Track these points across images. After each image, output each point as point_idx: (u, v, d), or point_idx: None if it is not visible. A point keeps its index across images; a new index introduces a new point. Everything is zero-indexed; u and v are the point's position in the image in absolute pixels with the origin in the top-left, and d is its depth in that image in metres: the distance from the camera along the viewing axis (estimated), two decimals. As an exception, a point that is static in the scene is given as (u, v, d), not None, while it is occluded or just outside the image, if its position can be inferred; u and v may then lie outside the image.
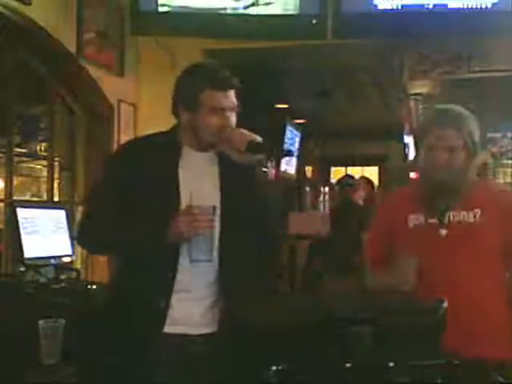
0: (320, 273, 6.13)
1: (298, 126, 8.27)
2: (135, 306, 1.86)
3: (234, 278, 1.91)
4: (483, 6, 3.75)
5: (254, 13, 4.00)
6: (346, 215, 5.82)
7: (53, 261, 3.04)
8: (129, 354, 1.83)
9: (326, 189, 9.82)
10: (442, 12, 3.82)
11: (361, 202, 5.96)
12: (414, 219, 2.02)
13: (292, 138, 8.17)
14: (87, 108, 4.22)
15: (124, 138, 4.14)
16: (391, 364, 1.48)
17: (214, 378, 1.85)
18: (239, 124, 1.95)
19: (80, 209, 4.06)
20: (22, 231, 2.92)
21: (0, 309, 2.48)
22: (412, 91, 6.15)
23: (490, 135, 8.70)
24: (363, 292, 2.21)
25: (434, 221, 1.99)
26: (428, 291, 1.87)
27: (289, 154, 2.12)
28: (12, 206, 3.08)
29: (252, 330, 1.76)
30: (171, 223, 1.79)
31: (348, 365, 1.48)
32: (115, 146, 4.04)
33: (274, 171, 7.35)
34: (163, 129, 2.04)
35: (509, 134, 8.50)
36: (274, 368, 1.57)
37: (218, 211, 1.85)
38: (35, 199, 4.47)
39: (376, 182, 10.34)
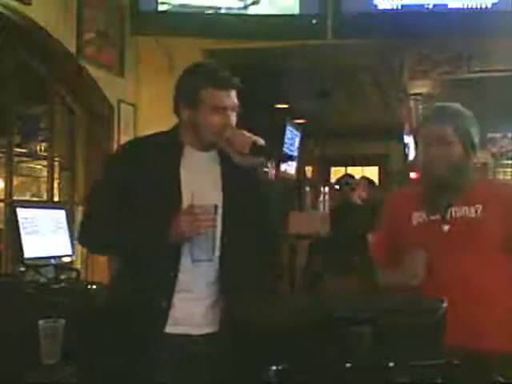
0: (320, 272, 6.13)
1: (298, 126, 8.26)
2: (137, 306, 1.85)
3: (235, 277, 1.91)
4: (483, 6, 3.76)
5: (254, 13, 4.00)
6: (345, 215, 5.82)
7: (53, 261, 3.04)
8: (130, 354, 1.83)
9: (326, 189, 9.82)
10: (442, 12, 3.82)
11: (359, 202, 5.95)
12: (418, 217, 2.04)
13: (292, 137, 8.17)
14: (87, 108, 4.22)
15: (124, 138, 4.14)
16: (391, 364, 1.48)
17: (216, 378, 1.84)
18: (239, 124, 1.95)
19: (80, 209, 4.06)
20: (22, 231, 2.92)
21: (0, 309, 2.48)
22: (412, 91, 6.15)
23: (489, 135, 8.71)
24: (375, 290, 2.21)
25: (436, 217, 2.01)
26: (432, 287, 1.90)
27: (289, 159, 2.12)
28: (12, 206, 3.08)
29: (252, 330, 1.76)
30: (173, 223, 1.79)
31: (348, 365, 1.48)
32: (115, 146, 4.04)
33: (273, 171, 7.35)
34: (163, 129, 2.04)
35: (509, 134, 8.51)
36: (274, 368, 1.57)
37: (220, 210, 1.85)
38: (35, 199, 4.47)
39: (376, 182, 10.37)
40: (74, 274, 3.15)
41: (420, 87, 5.93)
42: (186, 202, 1.85)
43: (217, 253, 1.87)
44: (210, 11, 4.03)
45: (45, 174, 4.23)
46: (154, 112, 4.12)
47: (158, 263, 1.85)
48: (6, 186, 3.65)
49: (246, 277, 1.98)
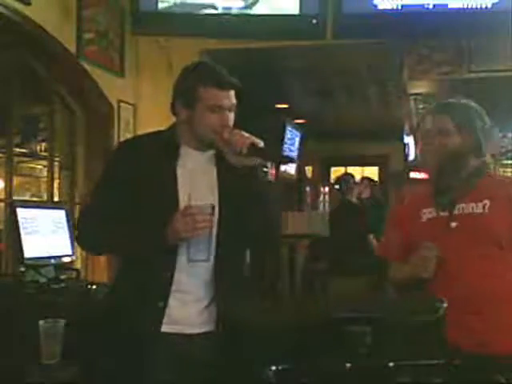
0: (320, 272, 6.14)
1: (297, 126, 8.26)
2: (134, 306, 1.86)
3: (230, 277, 1.91)
4: (483, 6, 3.76)
5: (254, 13, 4.00)
6: (344, 214, 5.82)
7: (53, 261, 3.04)
8: (127, 354, 1.83)
9: (326, 189, 9.82)
10: (442, 12, 3.82)
11: (355, 201, 5.96)
12: (428, 213, 2.06)
13: (292, 137, 8.17)
14: (87, 108, 4.22)
15: (124, 138, 4.15)
16: (391, 364, 1.48)
17: (211, 377, 1.85)
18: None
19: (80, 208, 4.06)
20: (21, 231, 2.92)
21: (0, 309, 2.48)
22: (412, 91, 6.14)
23: (490, 135, 8.69)
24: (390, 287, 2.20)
25: (445, 214, 2.02)
26: (439, 282, 1.92)
27: (289, 160, 2.12)
28: (12, 206, 3.07)
29: (250, 330, 1.76)
30: (169, 223, 1.79)
31: (348, 365, 1.48)
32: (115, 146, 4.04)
33: (273, 171, 7.36)
34: (163, 129, 2.04)
35: (509, 134, 8.50)
36: (274, 368, 1.57)
37: (216, 211, 1.85)
38: (35, 199, 4.46)
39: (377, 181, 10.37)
40: (74, 274, 3.15)
41: (420, 87, 5.92)
42: (182, 202, 1.85)
43: (213, 253, 1.87)
44: (210, 11, 4.03)
45: (45, 173, 4.22)
46: (153, 112, 4.11)
47: (154, 263, 1.85)
48: (5, 186, 3.65)
49: (240, 277, 1.98)
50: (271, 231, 2.05)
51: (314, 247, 6.86)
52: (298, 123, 8.24)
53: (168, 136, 1.97)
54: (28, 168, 4.60)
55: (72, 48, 3.81)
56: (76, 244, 2.05)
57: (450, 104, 2.11)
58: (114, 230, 1.89)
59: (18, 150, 3.96)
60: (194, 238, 1.81)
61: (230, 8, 4.02)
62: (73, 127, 4.26)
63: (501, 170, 8.39)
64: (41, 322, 2.13)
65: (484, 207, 1.98)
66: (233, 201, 1.90)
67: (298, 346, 1.56)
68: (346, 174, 6.55)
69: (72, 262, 3.38)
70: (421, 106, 6.72)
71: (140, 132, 4.30)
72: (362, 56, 4.99)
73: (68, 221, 3.27)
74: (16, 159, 3.91)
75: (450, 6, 3.82)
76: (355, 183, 6.11)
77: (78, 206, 4.14)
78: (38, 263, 2.93)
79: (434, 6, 3.83)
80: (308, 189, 9.55)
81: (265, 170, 1.95)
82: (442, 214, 2.03)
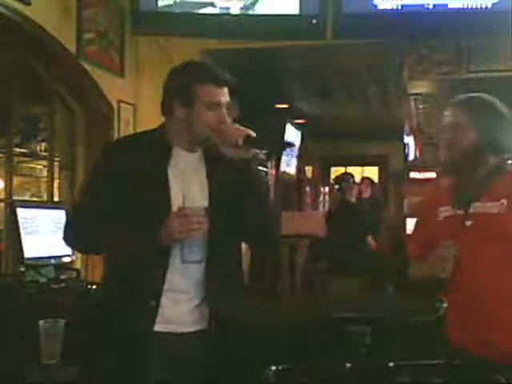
0: (320, 272, 6.14)
1: (298, 126, 8.26)
2: (126, 305, 1.86)
3: (222, 277, 1.91)
4: (483, 6, 3.75)
5: (254, 13, 4.00)
6: (343, 214, 5.82)
7: (53, 261, 3.04)
8: (121, 353, 1.84)
9: (326, 189, 9.82)
10: (442, 12, 3.82)
11: (354, 200, 5.96)
12: (445, 211, 2.04)
13: (292, 138, 8.16)
14: (87, 108, 4.22)
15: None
16: (391, 364, 1.48)
17: (204, 376, 1.85)
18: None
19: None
20: (21, 231, 2.92)
21: (0, 309, 2.48)
22: (412, 91, 6.14)
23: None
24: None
25: (461, 212, 1.99)
26: (452, 281, 1.90)
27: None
28: (12, 206, 3.07)
29: (242, 329, 1.76)
30: (163, 225, 1.79)
31: (348, 365, 1.48)
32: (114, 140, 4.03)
33: (273, 171, 7.35)
34: (151, 129, 2.05)
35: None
36: (274, 368, 1.57)
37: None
38: (35, 199, 4.46)
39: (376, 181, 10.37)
40: (74, 274, 3.15)
41: (420, 87, 5.92)
42: (174, 202, 1.85)
43: (206, 254, 1.88)
44: (209, 10, 4.03)
45: (45, 173, 4.22)
46: (153, 112, 4.09)
47: (146, 262, 1.85)
48: (5, 186, 3.65)
49: (233, 276, 1.98)
50: (269, 227, 2.03)
51: (314, 247, 6.86)
52: (297, 123, 8.24)
53: (159, 136, 1.96)
54: (28, 168, 4.60)
55: (72, 48, 3.81)
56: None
57: (466, 98, 2.06)
58: (106, 229, 1.88)
59: (18, 150, 3.96)
60: (187, 239, 1.81)
61: (229, 8, 4.01)
62: (73, 127, 4.26)
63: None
64: (41, 322, 2.13)
65: (501, 206, 1.93)
66: (224, 200, 1.90)
67: (297, 345, 1.56)
68: (346, 173, 6.56)
69: (72, 261, 3.38)
70: (421, 106, 6.73)
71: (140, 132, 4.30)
72: (361, 56, 4.99)
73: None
74: (16, 159, 3.91)
75: (450, 6, 3.81)
76: (355, 183, 6.11)
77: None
78: (38, 263, 2.93)
79: (434, 6, 3.83)
80: (308, 189, 9.55)
81: (264, 169, 1.96)
82: (458, 212, 2.00)
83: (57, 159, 4.20)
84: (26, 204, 3.68)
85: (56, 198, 4.16)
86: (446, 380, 1.51)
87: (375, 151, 9.88)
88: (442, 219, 2.04)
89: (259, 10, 4.00)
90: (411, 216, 8.19)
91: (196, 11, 4.03)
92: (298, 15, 3.96)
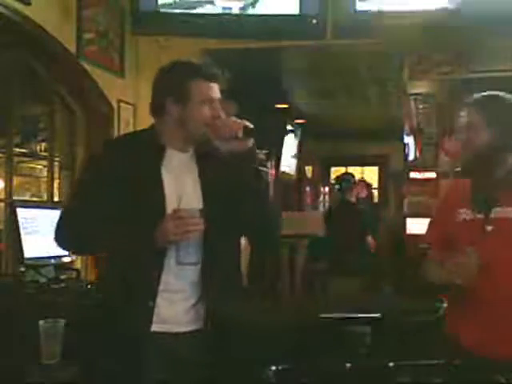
0: (320, 272, 6.14)
1: (298, 126, 8.26)
2: (123, 306, 1.86)
3: (218, 278, 1.91)
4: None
5: (254, 13, 4.00)
6: (343, 214, 5.82)
7: (53, 261, 3.04)
8: (119, 353, 1.84)
9: (326, 189, 9.82)
10: (441, 12, 3.81)
11: (354, 200, 5.96)
12: (463, 213, 1.98)
13: (292, 137, 8.17)
14: (87, 108, 4.22)
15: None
16: (391, 364, 1.48)
17: (199, 375, 1.85)
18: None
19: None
20: (21, 231, 2.92)
21: (0, 309, 2.48)
22: (412, 91, 6.14)
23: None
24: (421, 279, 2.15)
25: (481, 216, 1.94)
26: (472, 287, 1.84)
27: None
28: (12, 206, 3.07)
29: (239, 328, 1.76)
30: (158, 226, 1.78)
31: (348, 365, 1.48)
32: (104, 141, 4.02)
33: (273, 171, 7.35)
34: (141, 129, 2.05)
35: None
36: (274, 368, 1.57)
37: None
38: (35, 199, 4.46)
39: (376, 182, 10.37)
40: (73, 274, 3.15)
41: (420, 87, 5.93)
42: (169, 203, 1.84)
43: (201, 255, 1.88)
44: (209, 11, 4.03)
45: (45, 173, 4.22)
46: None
47: (142, 263, 1.84)
48: (5, 186, 3.64)
49: (230, 276, 1.97)
50: (268, 224, 2.01)
51: (313, 247, 6.85)
52: (297, 123, 8.25)
53: (151, 137, 1.96)
54: (28, 168, 4.60)
55: (72, 48, 3.81)
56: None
57: (480, 97, 2.01)
58: (100, 229, 1.87)
59: (17, 150, 3.95)
60: (183, 241, 1.81)
61: (230, 8, 4.01)
62: (73, 127, 4.26)
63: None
64: (41, 322, 2.13)
65: None
66: (219, 199, 1.89)
67: (297, 345, 1.56)
68: (347, 173, 6.56)
69: (72, 261, 3.38)
70: (421, 106, 6.73)
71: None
72: (362, 56, 4.99)
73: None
74: (16, 159, 3.91)
75: (449, 6, 3.81)
76: (355, 183, 6.11)
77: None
78: (38, 263, 2.93)
79: (433, 5, 3.83)
80: (308, 189, 9.55)
81: (264, 169, 1.97)
82: (478, 216, 1.94)
83: (57, 159, 4.20)
84: (26, 204, 3.67)
85: (56, 198, 4.16)
86: (446, 380, 1.51)
87: (375, 151, 9.87)
88: (460, 221, 1.98)
89: (259, 10, 4.00)
90: (412, 216, 8.21)
91: (196, 10, 4.03)
92: (298, 15, 3.96)
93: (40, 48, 3.70)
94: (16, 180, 3.86)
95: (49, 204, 4.02)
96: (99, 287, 2.09)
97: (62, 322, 2.15)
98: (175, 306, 1.88)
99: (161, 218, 1.80)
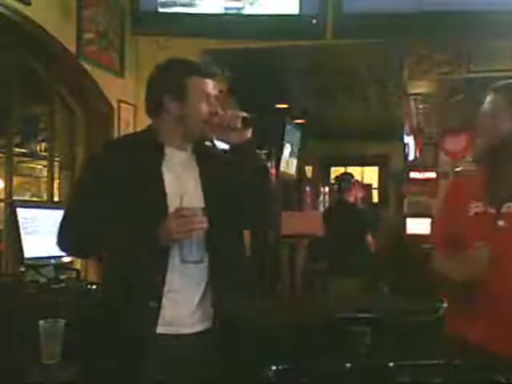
0: (320, 272, 6.14)
1: (298, 126, 8.26)
2: (127, 307, 1.85)
3: (225, 276, 1.91)
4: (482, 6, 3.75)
5: (254, 13, 4.00)
6: (342, 214, 5.82)
7: (53, 261, 3.04)
8: (121, 355, 1.83)
9: (326, 189, 9.82)
10: (443, 12, 3.81)
11: (353, 200, 5.96)
12: (475, 207, 1.95)
13: (292, 138, 8.16)
14: (87, 108, 4.22)
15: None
16: (391, 364, 1.48)
17: (204, 377, 1.84)
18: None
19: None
20: (21, 231, 2.92)
21: (0, 309, 2.48)
22: (412, 91, 6.14)
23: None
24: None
25: (492, 211, 1.91)
26: (482, 282, 1.82)
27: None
28: (12, 206, 3.07)
29: (246, 328, 1.76)
30: (161, 225, 1.78)
31: (348, 365, 1.48)
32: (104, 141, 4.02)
33: (273, 171, 7.35)
34: (140, 130, 2.05)
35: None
36: (274, 368, 1.57)
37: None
38: (35, 199, 4.46)
39: (376, 182, 10.37)
40: (73, 274, 3.15)
41: (420, 87, 5.93)
42: (171, 202, 1.84)
43: (205, 254, 1.87)
44: (209, 11, 4.03)
45: (45, 173, 4.22)
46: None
47: (146, 264, 1.83)
48: (5, 186, 3.64)
49: (236, 274, 1.97)
50: (268, 218, 2.03)
51: (313, 247, 6.86)
52: (297, 123, 8.24)
53: (150, 136, 1.96)
54: (28, 168, 4.60)
55: (72, 48, 3.81)
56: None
57: (506, 83, 1.96)
58: (103, 230, 1.86)
59: (18, 150, 3.95)
60: (186, 239, 1.81)
61: (230, 8, 4.01)
62: (73, 127, 4.26)
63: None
64: (41, 322, 2.13)
65: None
66: (219, 197, 1.90)
67: (297, 345, 1.56)
68: (346, 173, 6.56)
69: (72, 261, 3.38)
70: (421, 106, 6.73)
71: (140, 132, 4.30)
72: (362, 56, 4.99)
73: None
74: (16, 159, 3.91)
75: (449, 6, 3.81)
76: (354, 183, 6.12)
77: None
78: (38, 263, 2.93)
79: (434, 6, 3.82)
80: (308, 189, 9.55)
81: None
82: (489, 210, 1.91)
83: (57, 159, 4.20)
84: (26, 204, 3.67)
85: (56, 198, 4.16)
86: (445, 380, 1.51)
87: (375, 151, 9.87)
88: (472, 215, 1.94)
89: (259, 10, 4.00)
90: (412, 216, 8.22)
91: (196, 10, 4.03)
92: (298, 15, 3.96)
93: (40, 48, 3.70)
94: (16, 180, 3.86)
95: (49, 204, 4.02)
96: (102, 288, 2.07)
97: (62, 322, 2.15)
98: (180, 308, 1.87)
99: (163, 218, 1.79)
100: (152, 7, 4.02)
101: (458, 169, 8.06)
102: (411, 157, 8.90)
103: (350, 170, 9.03)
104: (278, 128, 7.54)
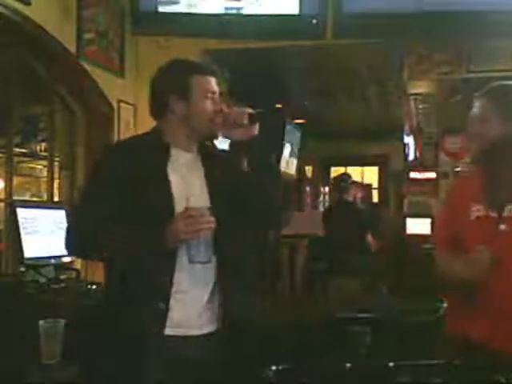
0: (320, 272, 6.14)
1: (297, 126, 8.26)
2: (134, 309, 1.84)
3: (233, 277, 1.91)
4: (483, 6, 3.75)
5: (254, 13, 4.00)
6: (341, 213, 5.82)
7: (53, 261, 3.04)
8: (129, 357, 1.81)
9: (326, 189, 9.82)
10: (443, 12, 3.81)
11: (352, 200, 5.96)
12: (476, 210, 1.93)
13: (292, 138, 8.16)
14: (87, 108, 4.22)
15: (124, 138, 4.15)
16: (391, 364, 1.48)
17: (212, 379, 1.84)
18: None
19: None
20: (21, 231, 2.92)
21: (0, 309, 2.48)
22: (412, 91, 6.14)
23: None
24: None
25: (493, 214, 1.90)
26: (484, 285, 1.82)
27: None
28: (12, 206, 3.07)
29: (253, 330, 1.76)
30: (168, 225, 1.78)
31: (348, 365, 1.48)
32: (109, 144, 4.03)
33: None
34: (146, 132, 2.05)
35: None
36: (274, 368, 1.57)
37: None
38: (35, 199, 4.46)
39: (376, 182, 10.38)
40: (73, 274, 3.15)
41: (420, 87, 5.93)
42: (177, 203, 1.84)
43: (212, 254, 1.87)
44: (209, 11, 4.03)
45: (45, 173, 4.22)
46: (153, 112, 4.10)
47: (153, 265, 1.82)
48: (5, 186, 3.64)
49: (243, 275, 1.98)
50: (272, 212, 2.01)
51: (313, 247, 6.86)
52: (297, 123, 8.24)
53: (155, 138, 1.96)
54: (28, 168, 4.60)
55: (72, 48, 3.81)
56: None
57: (494, 87, 1.96)
58: (111, 232, 1.85)
59: (18, 150, 3.96)
60: (193, 239, 1.80)
61: (230, 8, 4.01)
62: (73, 127, 4.26)
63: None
64: (41, 322, 2.13)
65: None
66: (225, 198, 1.90)
67: (297, 345, 1.56)
68: (344, 174, 6.56)
69: (72, 261, 3.38)
70: (421, 106, 6.73)
71: (140, 132, 4.29)
72: (362, 56, 4.99)
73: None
74: (16, 159, 3.91)
75: (450, 7, 3.81)
76: (352, 183, 6.12)
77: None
78: (38, 263, 2.93)
79: (434, 6, 3.82)
80: (308, 189, 9.55)
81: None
82: (490, 214, 1.89)
83: (57, 159, 4.20)
84: (26, 204, 3.68)
85: (56, 198, 4.16)
86: (445, 380, 1.51)
87: (375, 151, 9.88)
88: (473, 219, 1.93)
89: (259, 9, 4.00)
90: (412, 216, 8.22)
91: (196, 10, 4.03)
92: (298, 15, 3.96)
93: (40, 48, 3.70)
94: (16, 180, 3.86)
95: (49, 204, 4.02)
96: (106, 290, 2.06)
97: (62, 322, 2.15)
98: (188, 309, 1.86)
99: (170, 219, 1.79)
100: (152, 7, 4.02)
101: (457, 169, 8.06)
102: (411, 157, 8.90)
103: (350, 170, 9.04)
104: (278, 128, 7.54)
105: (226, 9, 4.01)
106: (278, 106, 7.37)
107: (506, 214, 1.88)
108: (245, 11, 4.00)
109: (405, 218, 8.55)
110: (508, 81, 2.01)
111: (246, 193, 1.93)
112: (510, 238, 1.87)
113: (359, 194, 6.24)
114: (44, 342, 2.13)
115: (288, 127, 7.84)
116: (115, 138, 4.22)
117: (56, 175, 4.18)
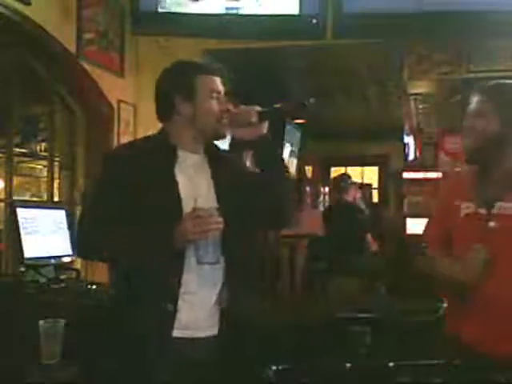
0: (320, 272, 6.14)
1: (298, 126, 8.25)
2: (142, 310, 1.83)
3: (241, 277, 1.91)
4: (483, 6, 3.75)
5: (254, 13, 4.00)
6: (341, 214, 5.82)
7: (53, 261, 3.04)
8: (136, 359, 1.80)
9: (326, 189, 9.82)
10: (443, 12, 3.81)
11: (351, 200, 5.96)
12: (466, 208, 1.93)
13: (292, 138, 8.16)
14: (87, 108, 4.22)
15: (124, 139, 4.15)
16: (391, 364, 1.48)
17: (219, 380, 1.83)
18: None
19: (80, 209, 4.06)
20: (21, 231, 2.92)
21: (0, 309, 2.48)
22: (412, 91, 6.14)
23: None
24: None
25: (483, 211, 1.90)
26: (477, 285, 1.82)
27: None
28: (12, 206, 3.07)
29: (254, 330, 1.76)
30: (177, 226, 1.77)
31: (348, 365, 1.48)
32: (115, 147, 4.03)
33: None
34: (152, 134, 2.04)
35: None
36: (274, 368, 1.57)
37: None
38: (35, 199, 4.46)
39: (376, 182, 10.37)
40: (73, 274, 3.15)
41: (420, 87, 5.93)
42: (185, 204, 1.83)
43: (220, 255, 1.86)
44: (210, 11, 4.03)
45: (45, 173, 4.22)
46: (153, 112, 4.10)
47: (162, 266, 1.82)
48: (5, 186, 3.64)
49: (249, 274, 1.97)
50: (280, 211, 1.99)
51: (313, 247, 6.86)
52: (297, 123, 8.24)
53: (162, 140, 1.95)
54: (28, 168, 4.60)
55: (72, 48, 3.81)
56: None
57: (493, 84, 1.97)
58: (121, 234, 1.84)
59: (18, 150, 3.96)
60: (201, 239, 1.80)
61: (230, 8, 4.01)
62: (73, 127, 4.26)
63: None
64: (41, 322, 2.13)
65: None
66: (232, 199, 1.90)
67: (297, 345, 1.56)
68: (344, 174, 6.56)
69: (72, 261, 3.38)
70: (421, 106, 6.73)
71: (140, 132, 4.30)
72: (362, 56, 4.99)
73: (68, 221, 3.27)
74: (16, 159, 3.91)
75: (450, 6, 3.81)
76: (352, 183, 6.12)
77: (78, 206, 4.13)
78: (38, 263, 2.93)
79: (434, 6, 3.82)
80: (308, 189, 9.55)
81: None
82: (480, 211, 1.90)
83: (57, 159, 4.20)
84: (26, 204, 3.68)
85: (56, 198, 4.16)
86: (446, 380, 1.51)
87: (375, 151, 9.87)
88: (463, 216, 1.93)
89: (259, 10, 4.00)
90: (412, 216, 8.22)
91: (196, 10, 4.03)
92: (298, 15, 3.96)
93: (40, 48, 3.70)
94: (16, 180, 3.86)
95: (49, 204, 4.02)
96: (112, 291, 2.05)
97: (62, 322, 2.15)
98: (196, 311, 1.85)
99: (178, 220, 1.78)
100: (152, 7, 4.02)
101: (457, 169, 8.06)
102: (411, 157, 8.90)
103: (350, 170, 9.03)
104: (278, 128, 7.54)
105: (227, 9, 4.01)
106: (277, 106, 7.37)
107: (495, 211, 1.88)
108: (245, 11, 4.00)
109: (405, 218, 8.54)
110: (507, 80, 2.01)
111: (253, 193, 1.93)
112: (499, 235, 1.86)
113: (358, 195, 6.24)
114: (44, 342, 2.13)
115: (288, 127, 7.84)
116: (115, 137, 4.22)
117: (56, 175, 4.18)
